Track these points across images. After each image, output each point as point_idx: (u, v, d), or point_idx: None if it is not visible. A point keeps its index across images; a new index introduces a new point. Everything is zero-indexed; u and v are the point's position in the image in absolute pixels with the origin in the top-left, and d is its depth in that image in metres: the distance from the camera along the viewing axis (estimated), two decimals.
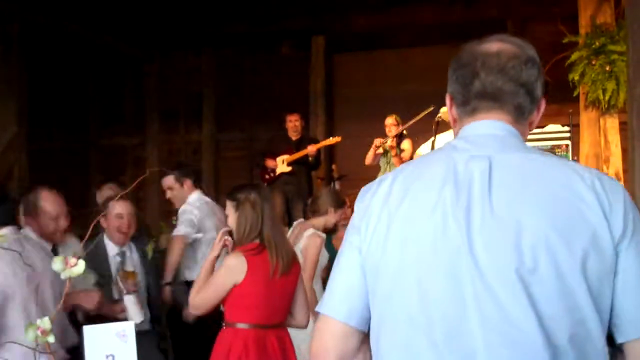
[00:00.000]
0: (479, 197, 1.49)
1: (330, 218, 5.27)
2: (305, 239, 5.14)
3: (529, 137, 1.75)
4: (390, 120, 8.34)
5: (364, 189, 1.74)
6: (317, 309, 1.69)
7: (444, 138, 7.41)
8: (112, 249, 4.47)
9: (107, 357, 2.36)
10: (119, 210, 4.47)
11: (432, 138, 7.33)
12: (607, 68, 6.41)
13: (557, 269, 1.41)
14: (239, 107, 10.77)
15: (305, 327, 3.96)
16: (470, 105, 1.67)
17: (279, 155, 8.36)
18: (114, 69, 11.24)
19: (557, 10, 7.24)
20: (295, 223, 5.50)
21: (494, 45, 1.67)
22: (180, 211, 5.65)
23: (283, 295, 3.71)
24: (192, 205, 5.69)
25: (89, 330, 2.45)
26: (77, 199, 10.51)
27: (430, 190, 1.54)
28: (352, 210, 1.77)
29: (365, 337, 1.64)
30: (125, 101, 11.46)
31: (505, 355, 1.41)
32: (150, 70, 11.22)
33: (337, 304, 1.64)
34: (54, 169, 10.13)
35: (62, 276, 2.48)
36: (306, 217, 5.56)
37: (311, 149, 8.19)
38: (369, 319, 1.62)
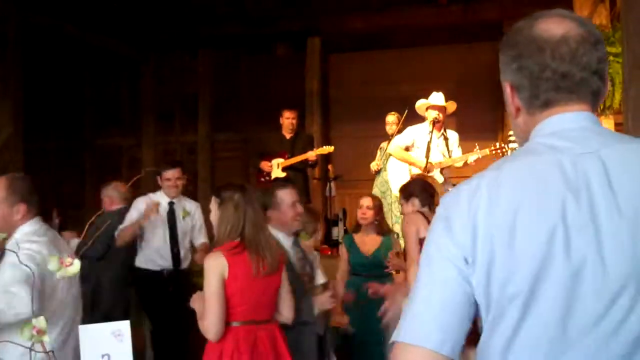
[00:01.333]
0: (602, 200, 1.37)
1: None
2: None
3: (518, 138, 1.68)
4: (391, 118, 8.36)
5: (453, 191, 1.54)
6: (395, 338, 1.46)
7: (413, 130, 7.49)
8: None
9: (103, 356, 2.35)
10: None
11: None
12: None
13: None
14: (234, 108, 10.78)
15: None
16: (541, 98, 1.53)
17: (274, 157, 8.33)
18: (110, 69, 11.25)
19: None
20: None
21: (558, 27, 1.53)
22: None
23: (267, 293, 3.73)
24: None
25: (84, 330, 2.44)
26: (72, 200, 10.53)
27: (545, 197, 1.40)
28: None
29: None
30: (121, 102, 11.46)
31: None
32: (146, 71, 11.23)
33: (426, 329, 1.43)
34: (49, 170, 10.14)
35: (58, 275, 2.48)
36: None
37: (311, 155, 8.16)
38: (462, 343, 1.45)
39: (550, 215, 1.37)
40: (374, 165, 8.38)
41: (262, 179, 8.39)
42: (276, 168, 8.24)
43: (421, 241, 4.55)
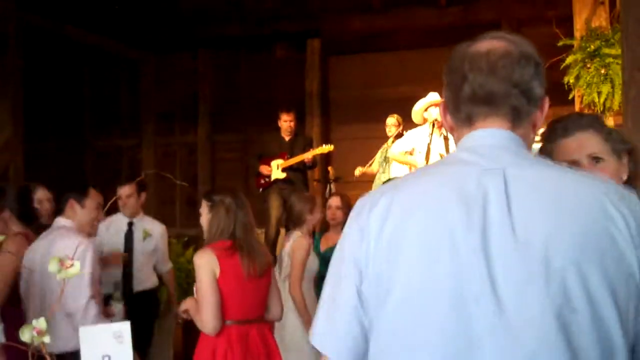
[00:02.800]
0: (497, 220, 1.34)
1: (311, 221, 5.38)
2: (291, 242, 5.27)
3: None
4: (391, 120, 8.37)
5: (358, 204, 1.55)
6: (315, 343, 1.54)
7: (413, 135, 7.49)
8: None
9: (104, 357, 2.36)
10: None
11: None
12: (602, 71, 6.43)
13: (590, 298, 1.28)
14: (234, 109, 10.77)
15: (279, 319, 4.16)
16: (462, 112, 1.54)
17: (272, 159, 8.33)
18: (110, 69, 11.24)
19: (552, 14, 7.26)
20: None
21: (484, 45, 1.53)
22: None
23: (259, 293, 3.84)
24: None
25: (85, 331, 2.45)
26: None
27: (435, 211, 1.39)
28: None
29: None
30: (121, 102, 11.45)
31: None
32: (146, 72, 11.22)
33: (339, 345, 1.49)
34: (49, 170, 10.12)
35: (58, 277, 2.49)
36: (287, 230, 5.62)
37: (307, 156, 8.17)
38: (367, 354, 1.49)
39: (437, 231, 1.37)
40: (357, 172, 8.41)
41: (262, 181, 8.40)
42: (276, 169, 8.25)
43: None
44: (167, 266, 6.19)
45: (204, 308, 3.63)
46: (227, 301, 3.67)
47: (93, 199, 4.37)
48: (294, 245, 5.20)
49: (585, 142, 2.14)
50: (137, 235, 5.91)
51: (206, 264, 3.64)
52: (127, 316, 5.39)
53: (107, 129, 11.36)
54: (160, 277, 6.15)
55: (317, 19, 10.21)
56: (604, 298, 1.28)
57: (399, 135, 8.10)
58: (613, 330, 1.28)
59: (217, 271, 3.64)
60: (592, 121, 2.21)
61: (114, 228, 5.94)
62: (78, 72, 11.25)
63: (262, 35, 10.42)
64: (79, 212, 4.28)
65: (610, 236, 1.32)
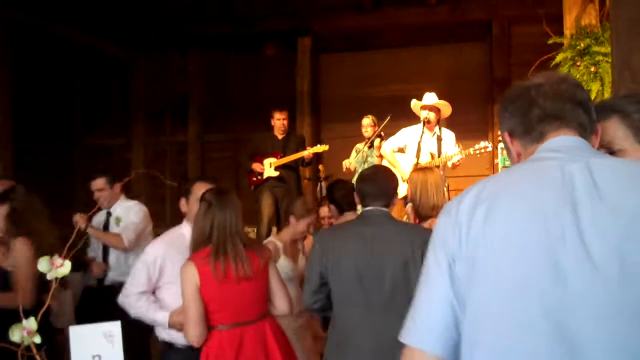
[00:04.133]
0: (584, 194, 1.46)
1: (295, 227, 5.20)
2: None
3: None
4: (367, 121, 8.41)
5: (446, 207, 1.67)
6: (402, 339, 1.62)
7: (406, 132, 7.55)
8: None
9: (94, 357, 2.35)
10: None
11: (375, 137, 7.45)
12: (592, 69, 6.44)
13: None
14: (225, 108, 10.75)
15: (288, 313, 4.04)
16: (535, 131, 1.68)
17: (265, 157, 8.35)
18: (100, 68, 11.20)
19: (542, 12, 7.26)
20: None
21: (541, 77, 1.71)
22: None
23: (248, 294, 3.75)
24: None
25: (75, 330, 2.44)
26: (62, 199, 10.48)
27: (525, 195, 1.51)
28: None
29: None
30: (111, 101, 11.41)
31: (619, 350, 1.35)
32: (137, 71, 11.19)
33: (427, 335, 1.57)
34: (38, 169, 10.08)
35: (48, 277, 2.47)
36: (278, 230, 5.58)
37: (306, 153, 8.20)
38: (456, 346, 1.57)
39: (527, 210, 1.48)
40: (346, 163, 8.42)
41: (254, 179, 8.41)
42: (269, 167, 8.26)
43: None
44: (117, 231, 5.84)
45: (186, 319, 3.65)
46: (213, 306, 3.66)
47: None
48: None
49: (604, 130, 2.16)
50: (111, 223, 5.87)
51: (186, 277, 3.63)
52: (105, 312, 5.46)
53: (97, 128, 11.32)
54: None
55: (308, 17, 10.21)
56: None
57: (379, 136, 8.16)
58: None
59: (198, 281, 3.61)
60: (622, 104, 2.14)
61: (96, 222, 6.02)
62: (68, 71, 11.20)
63: (253, 34, 10.40)
64: None
65: None
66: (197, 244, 3.74)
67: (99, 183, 5.96)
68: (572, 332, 1.37)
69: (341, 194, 5.30)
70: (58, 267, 2.35)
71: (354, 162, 8.37)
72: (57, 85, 11.01)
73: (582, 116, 1.66)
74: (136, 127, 11.20)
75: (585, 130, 1.67)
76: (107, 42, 10.36)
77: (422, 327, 1.58)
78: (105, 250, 5.84)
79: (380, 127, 8.21)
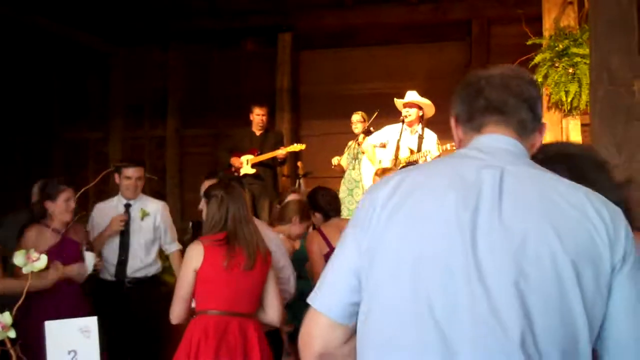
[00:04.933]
0: (488, 203, 1.52)
1: (294, 228, 5.20)
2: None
3: None
4: (356, 117, 8.43)
5: (372, 186, 1.75)
6: (308, 299, 1.71)
7: (389, 129, 7.60)
8: None
9: (70, 352, 2.33)
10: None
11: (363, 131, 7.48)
12: (570, 70, 6.48)
13: (559, 283, 1.45)
14: (204, 103, 10.71)
15: (277, 324, 4.11)
16: (476, 120, 1.73)
17: (243, 154, 8.33)
18: (79, 62, 11.10)
19: (521, 13, 7.31)
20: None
21: (497, 69, 1.76)
22: None
23: (245, 287, 3.85)
24: None
25: (51, 326, 2.42)
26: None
27: (436, 190, 1.57)
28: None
29: (353, 330, 1.66)
30: (89, 95, 11.32)
31: (486, 349, 1.43)
32: (116, 64, 11.11)
33: (326, 298, 1.67)
34: (15, 162, 10.00)
35: (24, 270, 2.45)
36: (271, 224, 5.48)
37: (281, 153, 8.20)
38: (355, 315, 1.65)
39: (433, 206, 1.55)
40: (335, 160, 8.45)
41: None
42: (246, 164, 8.25)
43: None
44: (173, 247, 5.78)
45: (174, 296, 3.81)
46: (208, 288, 3.78)
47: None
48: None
49: None
50: (135, 216, 5.61)
51: (191, 256, 3.81)
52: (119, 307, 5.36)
53: (75, 121, 11.23)
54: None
55: (289, 13, 10.19)
56: (573, 287, 1.45)
57: (367, 132, 8.17)
58: (578, 319, 1.45)
59: (200, 261, 3.76)
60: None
61: (111, 212, 5.63)
62: (46, 64, 11.09)
63: (233, 29, 10.37)
64: None
65: (590, 235, 1.49)
66: (207, 232, 3.91)
67: (139, 171, 5.71)
68: (453, 343, 1.45)
69: (326, 200, 5.26)
70: (34, 261, 2.33)
71: (344, 159, 8.39)
72: (35, 78, 10.90)
73: (525, 113, 1.70)
74: (114, 121, 11.12)
75: (526, 128, 1.71)
76: (86, 35, 10.28)
77: (327, 292, 1.67)
78: (124, 247, 5.59)
79: (369, 122, 8.22)
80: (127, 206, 5.65)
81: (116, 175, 5.70)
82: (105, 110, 11.15)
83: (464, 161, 1.64)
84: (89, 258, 4.92)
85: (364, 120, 8.37)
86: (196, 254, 3.78)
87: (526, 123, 1.70)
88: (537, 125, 1.73)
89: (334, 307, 1.65)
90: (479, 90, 1.72)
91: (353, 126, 8.44)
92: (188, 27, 10.47)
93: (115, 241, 5.54)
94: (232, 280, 3.77)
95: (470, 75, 1.79)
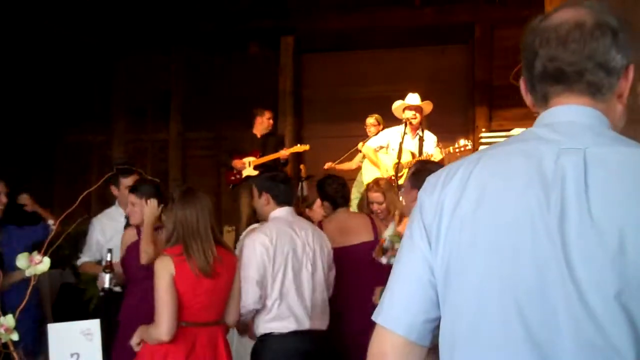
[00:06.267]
0: (574, 202, 1.28)
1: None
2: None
3: (494, 138, 1.58)
4: (371, 120, 8.43)
5: (431, 178, 1.51)
6: (374, 317, 1.52)
7: (389, 132, 7.60)
8: None
9: (72, 355, 2.33)
10: None
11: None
12: None
13: None
14: (207, 106, 10.70)
15: (232, 326, 4.09)
16: (537, 90, 1.48)
17: (245, 155, 8.34)
18: (82, 65, 11.10)
19: (525, 15, 7.29)
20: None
21: (556, 17, 1.45)
22: None
23: (211, 295, 3.75)
24: None
25: (53, 328, 2.42)
26: (41, 196, 10.38)
27: (513, 191, 1.35)
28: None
29: (430, 349, 1.49)
30: (92, 98, 11.32)
31: None
32: (119, 67, 11.11)
33: (397, 316, 1.48)
34: (18, 164, 9.99)
35: (27, 273, 2.45)
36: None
37: (284, 153, 8.21)
38: (432, 332, 1.48)
39: (514, 210, 1.33)
40: (327, 165, 8.50)
41: (233, 177, 8.39)
42: (248, 166, 8.25)
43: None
44: None
45: (159, 311, 3.57)
46: (180, 301, 3.65)
47: None
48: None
49: None
50: None
51: (162, 269, 3.61)
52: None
53: (78, 124, 11.22)
54: None
55: (291, 16, 10.19)
56: None
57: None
58: None
59: (173, 274, 3.60)
60: None
61: (111, 223, 5.54)
62: (50, 66, 11.08)
63: (236, 33, 10.37)
64: None
65: None
66: (168, 240, 3.77)
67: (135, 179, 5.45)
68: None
69: (334, 188, 5.23)
70: (37, 264, 2.33)
71: (356, 161, 8.45)
72: (39, 80, 10.89)
73: (593, 73, 1.40)
74: (117, 124, 11.13)
75: (599, 89, 1.42)
76: (90, 38, 10.27)
77: (397, 306, 1.49)
78: None
79: (380, 123, 8.23)
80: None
81: (112, 187, 5.56)
82: (108, 113, 11.15)
83: (539, 146, 1.37)
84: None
85: (378, 124, 8.37)
86: (168, 266, 3.60)
87: (597, 84, 1.41)
88: (614, 80, 1.42)
89: (409, 326, 1.46)
90: (534, 53, 1.44)
91: (367, 129, 8.44)
92: (191, 30, 10.48)
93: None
94: (198, 291, 3.67)
95: (526, 31, 1.50)
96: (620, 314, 1.21)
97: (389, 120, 7.88)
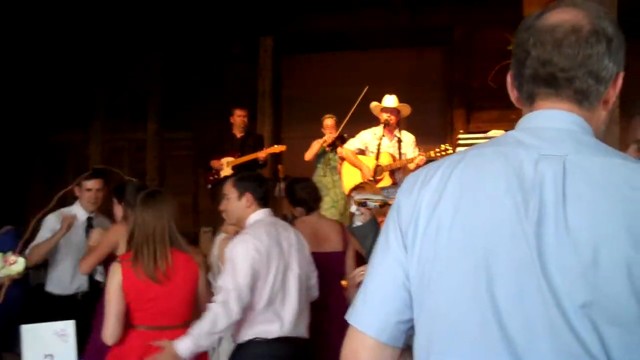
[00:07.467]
0: (552, 209, 1.27)
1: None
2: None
3: (472, 140, 1.58)
4: (329, 122, 8.40)
5: (409, 178, 1.50)
6: (347, 317, 1.52)
7: (366, 134, 7.59)
8: None
9: (46, 356, 2.31)
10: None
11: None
12: None
13: (637, 300, 1.21)
14: (185, 106, 10.67)
15: None
16: (524, 90, 1.45)
17: (224, 155, 8.32)
18: (61, 64, 10.99)
19: (503, 17, 7.34)
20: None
21: (554, 16, 1.40)
22: None
23: (169, 300, 3.76)
24: None
25: (27, 330, 2.39)
26: (18, 196, 10.30)
27: (493, 195, 1.33)
28: None
29: (403, 350, 1.49)
30: (71, 97, 11.21)
31: None
32: (98, 67, 11.02)
33: (369, 317, 1.48)
34: None
35: (1, 274, 2.43)
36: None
37: (262, 155, 8.18)
38: (405, 333, 1.47)
39: (492, 215, 1.32)
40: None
41: (211, 177, 8.37)
42: (226, 166, 8.22)
43: None
44: None
45: (105, 316, 3.66)
46: (132, 306, 3.70)
47: None
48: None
49: (637, 125, 1.96)
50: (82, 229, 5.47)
51: (112, 275, 3.70)
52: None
53: (56, 123, 11.12)
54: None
55: (271, 17, 10.18)
56: None
57: (341, 137, 8.15)
58: None
59: (120, 280, 3.66)
60: None
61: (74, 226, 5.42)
62: (30, 67, 10.98)
63: (215, 33, 10.34)
64: None
65: None
66: (128, 244, 3.82)
67: (100, 182, 5.52)
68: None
69: (307, 192, 5.15)
70: (11, 264, 2.31)
71: (319, 163, 8.37)
72: (18, 80, 10.78)
73: (582, 80, 1.38)
74: (94, 123, 11.05)
75: (587, 98, 1.40)
76: (69, 38, 10.19)
77: (370, 307, 1.48)
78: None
79: (359, 98, 8.17)
80: (89, 219, 5.54)
81: (76, 188, 5.50)
82: (86, 112, 11.06)
83: (519, 151, 1.35)
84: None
85: (337, 124, 8.36)
86: (116, 272, 3.67)
87: (585, 92, 1.39)
88: (602, 88, 1.40)
89: (381, 328, 1.46)
90: (526, 52, 1.42)
91: (327, 131, 8.40)
92: (169, 29, 10.42)
93: (79, 253, 5.30)
94: (155, 295, 3.69)
95: (521, 27, 1.46)
96: (588, 323, 1.21)
97: (366, 121, 7.88)
